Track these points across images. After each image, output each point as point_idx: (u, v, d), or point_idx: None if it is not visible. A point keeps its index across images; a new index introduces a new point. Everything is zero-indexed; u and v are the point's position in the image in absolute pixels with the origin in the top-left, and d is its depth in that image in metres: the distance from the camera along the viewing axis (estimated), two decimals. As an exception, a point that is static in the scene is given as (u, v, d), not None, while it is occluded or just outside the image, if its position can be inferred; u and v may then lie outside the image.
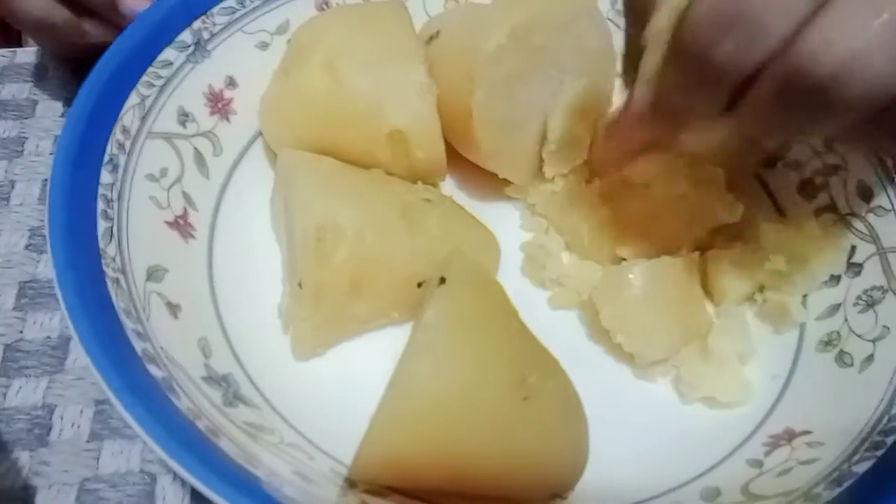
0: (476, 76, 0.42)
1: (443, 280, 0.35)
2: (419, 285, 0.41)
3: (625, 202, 0.44)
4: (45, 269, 0.47)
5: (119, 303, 0.34)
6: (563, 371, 0.37)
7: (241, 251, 0.44)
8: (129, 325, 0.34)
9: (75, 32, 0.49)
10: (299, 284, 0.39)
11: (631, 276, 0.42)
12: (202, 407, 0.33)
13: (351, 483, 0.35)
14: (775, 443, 0.38)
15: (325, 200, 0.40)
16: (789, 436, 0.38)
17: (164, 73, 0.44)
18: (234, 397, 0.37)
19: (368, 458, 0.34)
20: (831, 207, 0.45)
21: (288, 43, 0.48)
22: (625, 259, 0.44)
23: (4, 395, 0.42)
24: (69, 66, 0.57)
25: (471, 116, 0.43)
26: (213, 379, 0.36)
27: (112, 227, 0.37)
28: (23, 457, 0.39)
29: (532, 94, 0.45)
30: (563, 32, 0.45)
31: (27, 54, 0.58)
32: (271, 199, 0.46)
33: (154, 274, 0.38)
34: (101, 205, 0.37)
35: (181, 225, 0.42)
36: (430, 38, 0.47)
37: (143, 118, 0.42)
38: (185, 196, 0.44)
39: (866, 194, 0.44)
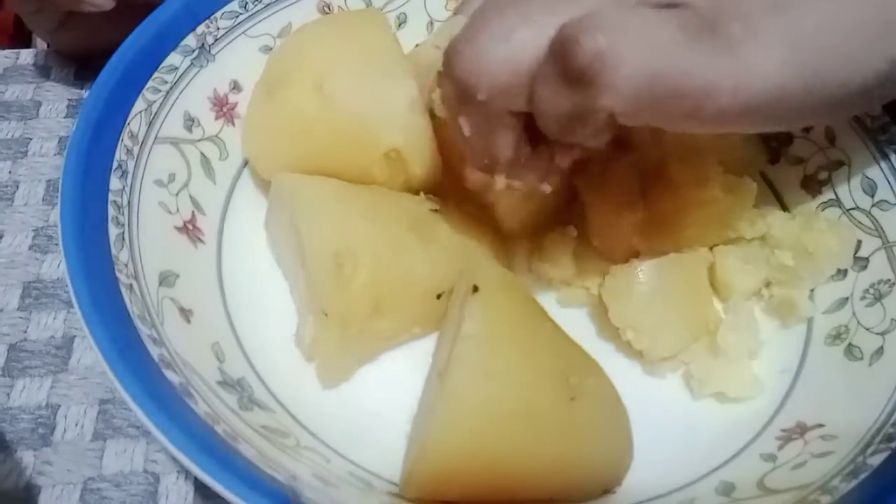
0: None
1: (475, 288, 0.35)
2: (438, 297, 0.41)
3: (653, 198, 0.44)
4: (49, 269, 0.47)
5: (133, 309, 0.34)
6: (599, 366, 0.38)
7: (250, 254, 0.44)
8: (144, 331, 0.34)
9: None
10: (324, 314, 0.38)
11: (639, 273, 0.42)
12: (219, 411, 0.33)
13: (399, 496, 0.35)
14: (788, 437, 0.38)
15: (338, 225, 0.39)
16: (802, 429, 0.38)
17: (170, 78, 0.44)
18: (248, 401, 0.37)
19: (423, 476, 0.33)
20: (835, 202, 0.45)
21: (267, 62, 0.47)
22: (639, 254, 0.44)
23: (8, 394, 0.42)
24: (72, 66, 0.57)
25: None
26: (227, 383, 0.36)
27: (123, 234, 0.37)
28: (26, 456, 0.40)
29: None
30: None
31: (30, 55, 0.58)
32: (266, 225, 0.45)
33: (166, 279, 0.38)
34: (112, 211, 0.37)
35: (190, 230, 0.42)
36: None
37: (150, 123, 0.42)
38: (193, 200, 0.43)
39: (870, 188, 0.44)
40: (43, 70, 0.57)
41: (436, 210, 0.43)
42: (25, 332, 0.44)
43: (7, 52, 0.59)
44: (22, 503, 0.38)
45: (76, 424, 0.41)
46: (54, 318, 0.45)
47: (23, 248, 0.48)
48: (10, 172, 0.51)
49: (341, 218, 0.40)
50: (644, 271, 0.42)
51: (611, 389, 0.38)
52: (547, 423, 0.34)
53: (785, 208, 0.47)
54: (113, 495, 0.39)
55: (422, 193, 0.44)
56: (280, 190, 0.43)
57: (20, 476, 0.39)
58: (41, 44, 0.65)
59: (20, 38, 0.67)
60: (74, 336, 0.44)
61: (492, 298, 0.35)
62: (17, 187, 0.51)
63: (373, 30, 0.45)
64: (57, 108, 0.55)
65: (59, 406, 0.41)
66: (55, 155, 0.53)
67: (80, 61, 0.58)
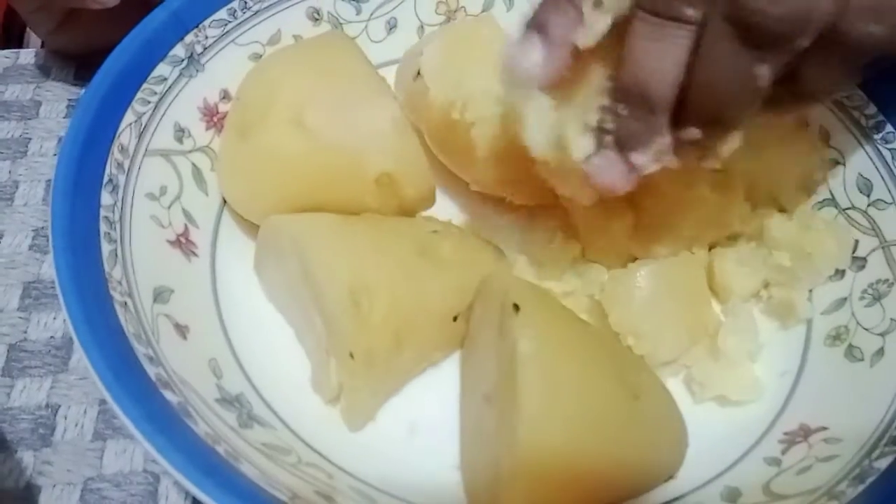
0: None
1: (516, 307, 0.34)
2: (454, 319, 0.40)
3: (641, 202, 0.44)
4: (49, 269, 0.46)
5: (129, 328, 0.34)
6: (643, 360, 0.38)
7: (244, 266, 0.44)
8: (140, 350, 0.33)
9: None
10: (350, 355, 0.37)
11: (637, 278, 0.41)
12: (219, 431, 0.33)
13: None
14: (791, 440, 0.38)
15: (348, 261, 0.38)
16: (805, 432, 0.38)
17: (159, 88, 0.43)
18: (248, 418, 0.36)
19: (517, 499, 0.33)
20: (831, 202, 0.45)
21: (235, 100, 0.45)
22: (636, 258, 0.43)
23: (8, 394, 0.41)
24: (72, 66, 0.57)
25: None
26: (226, 400, 0.36)
27: (116, 250, 0.37)
28: (26, 456, 0.39)
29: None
30: None
31: (30, 55, 0.58)
32: (258, 270, 0.44)
33: (160, 295, 0.38)
34: (103, 227, 0.37)
35: (183, 243, 0.42)
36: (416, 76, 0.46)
37: (140, 136, 0.41)
38: (186, 213, 0.43)
39: (866, 188, 0.44)
40: (43, 70, 0.57)
41: (436, 231, 0.42)
42: (25, 332, 0.44)
43: (7, 52, 0.58)
44: (22, 503, 0.38)
45: (76, 424, 0.40)
46: (54, 319, 0.44)
47: (23, 248, 0.47)
48: (9, 172, 0.51)
49: (349, 253, 0.39)
50: (642, 276, 0.41)
51: (658, 380, 0.38)
52: (620, 424, 0.35)
53: (781, 209, 0.47)
54: (113, 495, 0.38)
55: (418, 215, 0.44)
56: (277, 234, 0.41)
57: (20, 476, 0.39)
58: (35, 42, 0.64)
59: (12, 38, 0.66)
60: (74, 336, 0.44)
61: (536, 314, 0.35)
62: (17, 187, 0.50)
63: (343, 55, 0.44)
64: (57, 108, 0.55)
65: (59, 406, 0.41)
66: (55, 155, 0.52)
67: (79, 61, 0.57)
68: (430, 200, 0.44)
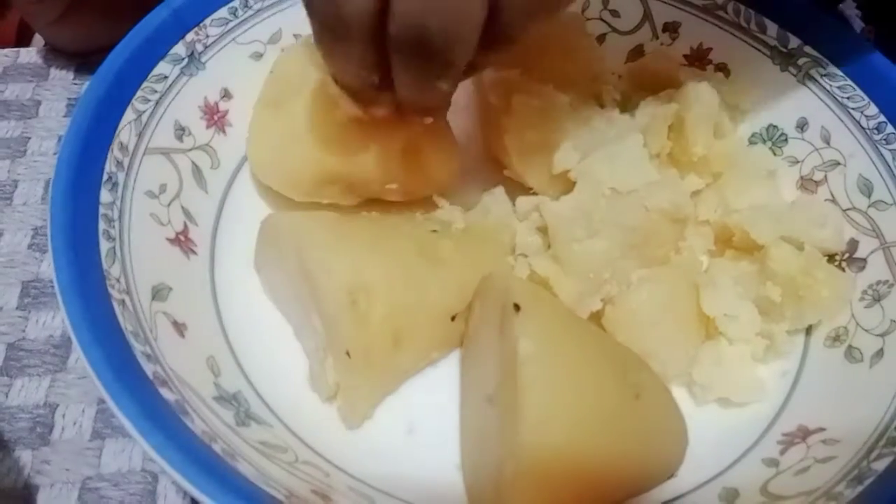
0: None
1: (517, 307, 0.34)
2: (452, 319, 0.40)
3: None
4: (48, 268, 0.47)
5: (126, 325, 0.34)
6: (641, 357, 0.38)
7: (243, 265, 0.44)
8: (137, 347, 0.33)
9: None
10: (347, 354, 0.37)
11: (637, 299, 0.41)
12: (216, 429, 0.33)
13: None
14: (790, 441, 0.38)
15: (347, 260, 0.38)
16: (803, 433, 0.38)
17: (159, 87, 0.43)
18: (245, 416, 0.36)
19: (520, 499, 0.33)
20: (832, 203, 0.45)
21: (269, 75, 0.46)
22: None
23: (7, 393, 0.41)
24: (72, 65, 0.57)
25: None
26: (224, 398, 0.36)
27: (115, 247, 0.37)
28: (25, 455, 0.39)
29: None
30: None
31: (30, 54, 0.58)
32: (258, 268, 0.44)
33: (159, 293, 0.38)
34: (102, 225, 0.37)
35: (182, 241, 0.42)
36: None
37: (140, 134, 0.41)
38: (185, 211, 0.43)
39: (866, 189, 0.44)
40: (42, 69, 0.57)
41: (435, 230, 0.42)
42: (24, 331, 0.44)
43: (7, 50, 0.58)
44: (20, 502, 0.38)
45: (74, 423, 0.40)
46: (53, 318, 0.44)
47: (22, 247, 0.47)
48: (9, 171, 0.51)
49: (349, 252, 0.39)
50: (641, 297, 0.41)
51: (658, 379, 0.38)
52: (621, 423, 0.34)
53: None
54: (111, 494, 0.38)
55: (417, 214, 0.44)
56: (277, 233, 0.41)
57: (19, 475, 0.39)
58: (39, 43, 0.65)
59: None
60: (73, 335, 0.44)
61: (537, 314, 0.35)
62: (16, 186, 0.50)
63: None
64: (56, 107, 0.55)
65: (58, 405, 0.41)
66: (54, 154, 0.52)
67: (80, 59, 0.57)
68: (454, 178, 0.45)
